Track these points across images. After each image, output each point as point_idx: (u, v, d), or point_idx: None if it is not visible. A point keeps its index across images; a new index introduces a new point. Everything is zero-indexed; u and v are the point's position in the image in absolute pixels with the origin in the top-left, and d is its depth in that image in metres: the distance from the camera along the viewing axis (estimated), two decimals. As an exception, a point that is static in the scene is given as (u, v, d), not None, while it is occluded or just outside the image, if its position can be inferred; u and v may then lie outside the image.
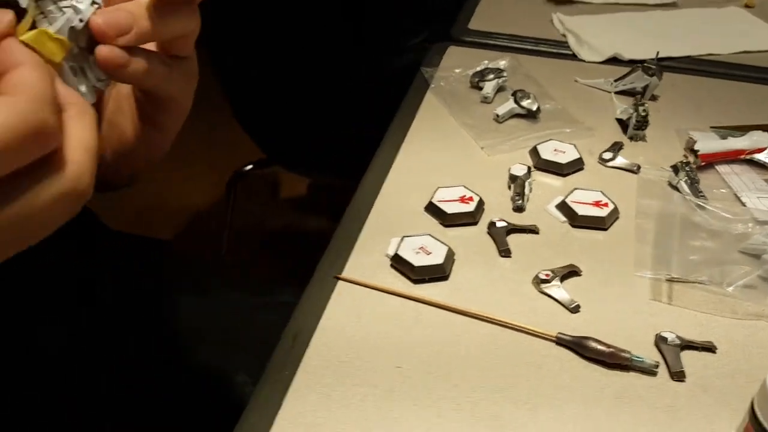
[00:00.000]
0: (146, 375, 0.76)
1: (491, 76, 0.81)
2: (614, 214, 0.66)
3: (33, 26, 0.37)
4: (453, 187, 0.68)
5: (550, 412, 0.51)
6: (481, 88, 0.82)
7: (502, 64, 0.84)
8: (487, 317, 0.57)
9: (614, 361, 0.54)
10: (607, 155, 0.72)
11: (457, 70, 0.85)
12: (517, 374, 0.54)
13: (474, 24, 0.96)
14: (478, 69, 0.83)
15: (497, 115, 0.77)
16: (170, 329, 0.84)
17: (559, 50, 0.91)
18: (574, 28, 0.92)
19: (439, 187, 0.68)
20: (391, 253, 0.63)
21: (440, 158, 0.74)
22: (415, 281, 0.60)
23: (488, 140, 0.75)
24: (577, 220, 0.65)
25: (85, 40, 0.38)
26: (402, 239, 0.62)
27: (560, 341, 0.56)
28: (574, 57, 0.90)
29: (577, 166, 0.72)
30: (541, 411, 0.52)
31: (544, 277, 0.60)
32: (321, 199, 1.82)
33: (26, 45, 0.36)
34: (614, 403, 0.52)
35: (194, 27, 0.43)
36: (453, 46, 0.91)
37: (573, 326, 0.57)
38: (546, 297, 0.60)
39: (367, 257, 0.63)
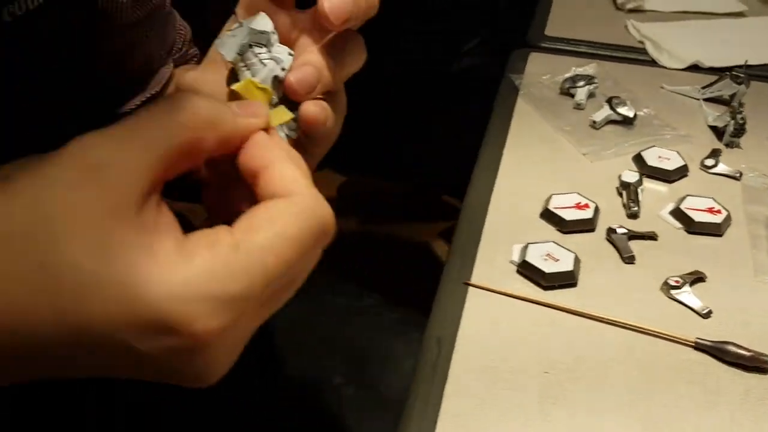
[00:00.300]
0: (242, 384, 0.76)
1: (582, 82, 0.83)
2: (728, 221, 0.68)
3: (236, 77, 0.39)
4: (567, 194, 0.69)
5: (701, 416, 0.53)
6: (572, 95, 0.83)
7: (590, 70, 0.85)
8: (624, 323, 0.59)
9: (754, 364, 0.56)
10: (709, 162, 0.74)
11: (544, 77, 0.86)
12: (662, 378, 0.55)
13: (549, 30, 0.97)
14: (568, 75, 0.84)
15: (594, 122, 0.79)
16: (261, 335, 0.85)
17: (637, 56, 0.93)
18: (651, 35, 0.94)
19: (553, 194, 0.69)
20: (517, 259, 0.63)
21: (542, 164, 0.75)
22: (545, 288, 0.61)
23: (589, 147, 0.76)
24: (693, 227, 0.67)
25: (281, 90, 0.39)
26: (526, 246, 0.63)
27: (699, 346, 0.57)
28: (652, 63, 0.91)
29: (682, 172, 0.73)
30: (692, 414, 0.53)
31: (674, 284, 0.61)
32: (352, 200, 1.83)
33: (236, 93, 0.37)
34: (759, 405, 0.54)
35: (362, 63, 0.43)
36: (534, 53, 0.92)
37: (706, 331, 0.58)
38: (674, 302, 0.61)
39: (490, 264, 0.64)
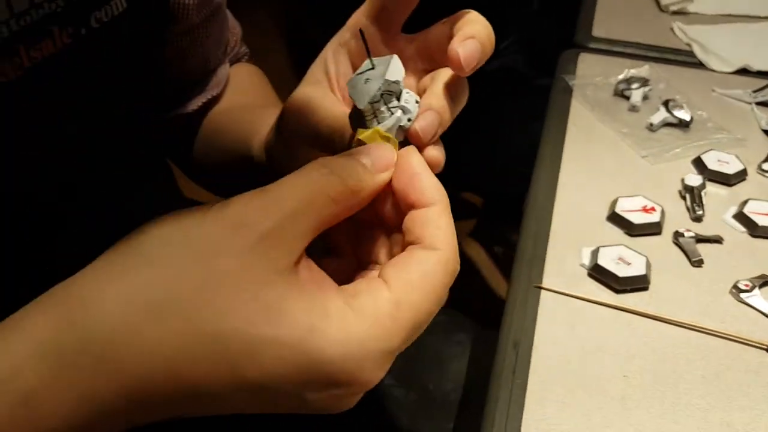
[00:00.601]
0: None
1: (636, 84, 0.83)
2: (791, 225, 0.68)
3: (361, 118, 0.40)
4: (633, 197, 0.70)
5: (779, 419, 0.54)
6: (626, 97, 0.83)
7: (644, 72, 0.86)
8: (699, 327, 0.59)
9: (828, 369, 0.57)
10: (767, 166, 0.75)
11: (597, 78, 0.86)
12: (737, 381, 0.56)
13: (596, 31, 0.97)
14: (622, 77, 0.85)
15: (651, 124, 0.79)
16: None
17: (685, 59, 0.93)
18: (698, 38, 0.94)
19: (619, 197, 0.70)
20: (587, 262, 0.64)
21: (602, 166, 0.76)
22: (618, 291, 0.62)
23: (648, 149, 0.77)
24: (758, 231, 0.67)
25: (402, 136, 0.40)
26: (597, 249, 0.64)
27: (773, 350, 0.58)
28: (701, 66, 0.92)
29: (741, 176, 0.74)
30: (769, 418, 0.54)
31: (743, 287, 0.62)
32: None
33: (361, 141, 0.39)
34: (835, 409, 0.55)
35: (466, 101, 0.45)
36: (583, 53, 0.92)
37: (777, 335, 0.59)
38: (744, 305, 0.62)
39: (560, 267, 0.65)
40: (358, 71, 0.40)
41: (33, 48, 0.45)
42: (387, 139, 0.39)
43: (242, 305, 0.32)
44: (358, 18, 0.46)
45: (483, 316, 0.89)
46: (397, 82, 0.39)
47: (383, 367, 0.33)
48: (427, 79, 0.44)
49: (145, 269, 0.32)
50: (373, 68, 0.40)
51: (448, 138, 1.10)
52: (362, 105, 0.39)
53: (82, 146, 0.54)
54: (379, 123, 0.39)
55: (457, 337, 0.90)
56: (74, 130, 0.53)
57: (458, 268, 0.35)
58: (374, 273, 0.38)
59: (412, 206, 0.36)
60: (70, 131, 0.52)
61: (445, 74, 0.42)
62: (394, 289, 0.33)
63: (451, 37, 0.41)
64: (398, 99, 0.39)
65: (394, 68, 0.39)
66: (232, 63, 0.75)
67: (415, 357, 0.88)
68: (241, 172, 0.62)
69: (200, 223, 0.33)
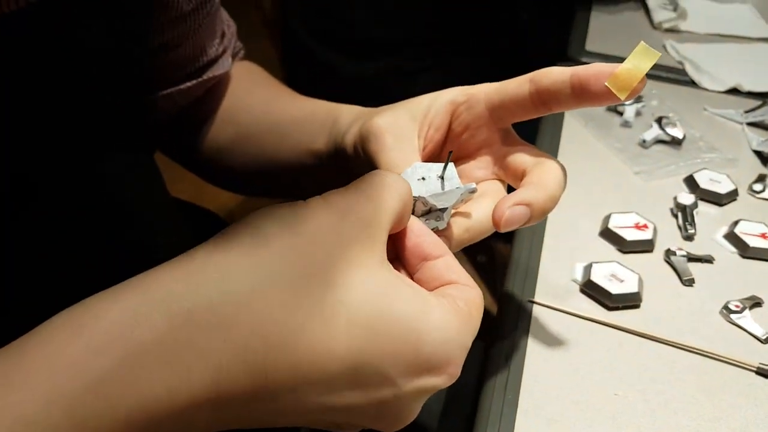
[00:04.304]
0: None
1: (630, 100, 0.83)
2: (781, 247, 0.69)
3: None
4: (626, 213, 0.70)
5: (768, 441, 0.54)
6: (619, 112, 0.84)
7: (637, 89, 0.86)
8: (689, 347, 0.59)
9: (816, 392, 0.57)
10: (758, 187, 0.75)
11: (590, 93, 0.86)
12: (727, 403, 0.56)
13: (590, 46, 0.98)
14: (615, 94, 0.85)
15: (643, 141, 0.79)
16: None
17: (677, 77, 0.94)
18: (690, 57, 0.95)
19: (612, 213, 0.70)
20: (579, 278, 0.64)
21: (595, 181, 0.76)
22: (610, 308, 0.62)
23: (641, 166, 0.77)
24: (748, 252, 0.68)
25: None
26: (590, 265, 0.64)
27: (761, 372, 0.58)
28: (692, 84, 0.93)
29: (732, 196, 0.74)
30: (759, 440, 0.54)
31: (734, 308, 0.62)
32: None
33: None
34: (822, 433, 0.55)
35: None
36: (576, 68, 0.92)
37: (766, 357, 0.60)
38: (734, 326, 0.62)
39: (552, 282, 0.65)
40: (430, 165, 0.43)
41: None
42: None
43: (362, 284, 0.35)
44: (480, 93, 0.50)
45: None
46: (441, 210, 0.43)
47: (462, 360, 0.37)
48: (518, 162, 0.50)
49: (267, 246, 0.35)
50: (441, 178, 0.43)
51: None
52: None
53: (50, 112, 0.52)
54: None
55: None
56: (41, 94, 0.51)
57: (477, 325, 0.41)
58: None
59: (425, 259, 0.40)
60: (38, 94, 0.51)
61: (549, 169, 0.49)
62: (465, 304, 0.38)
63: (523, 175, 0.49)
64: (433, 213, 0.43)
65: (450, 197, 0.42)
66: (233, 58, 0.75)
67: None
68: (303, 168, 0.64)
69: (310, 209, 0.36)
